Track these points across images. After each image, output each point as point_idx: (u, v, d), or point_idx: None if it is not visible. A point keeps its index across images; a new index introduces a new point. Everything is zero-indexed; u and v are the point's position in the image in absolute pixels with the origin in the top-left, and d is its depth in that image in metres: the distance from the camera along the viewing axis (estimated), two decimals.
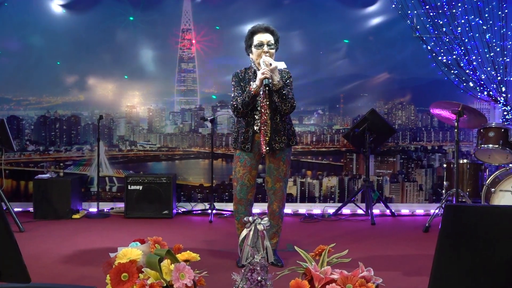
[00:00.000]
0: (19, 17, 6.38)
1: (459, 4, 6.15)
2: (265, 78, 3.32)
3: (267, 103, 3.38)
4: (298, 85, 5.50)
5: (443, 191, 5.47)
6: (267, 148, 3.41)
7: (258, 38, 3.60)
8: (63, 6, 6.45)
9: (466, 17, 6.15)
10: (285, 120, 3.58)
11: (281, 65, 3.52)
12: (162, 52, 6.77)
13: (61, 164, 6.43)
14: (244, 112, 3.47)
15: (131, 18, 6.55)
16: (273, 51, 3.56)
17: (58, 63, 6.49)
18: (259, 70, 3.48)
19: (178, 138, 6.73)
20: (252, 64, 3.64)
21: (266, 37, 3.59)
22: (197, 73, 6.79)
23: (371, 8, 6.74)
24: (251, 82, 3.48)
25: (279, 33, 3.83)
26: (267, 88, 3.36)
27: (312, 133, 6.69)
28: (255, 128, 3.48)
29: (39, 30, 6.44)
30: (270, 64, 3.38)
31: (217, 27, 6.65)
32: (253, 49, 3.57)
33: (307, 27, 6.72)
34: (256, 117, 3.51)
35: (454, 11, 6.16)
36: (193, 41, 6.68)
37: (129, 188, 5.93)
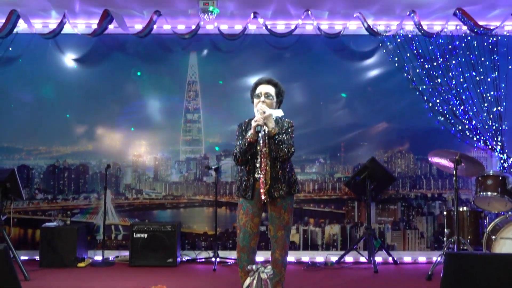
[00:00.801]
0: (32, 71, 6.53)
1: (453, 57, 6.34)
2: (257, 125, 3.31)
3: (266, 151, 3.37)
4: (300, 134, 5.51)
5: (445, 239, 5.43)
6: (267, 196, 3.40)
7: (259, 89, 3.64)
8: (75, 60, 6.64)
9: (460, 69, 6.30)
10: (285, 168, 3.50)
11: (278, 113, 3.51)
12: (168, 103, 6.82)
13: (68, 212, 6.43)
14: (243, 160, 3.42)
15: (139, 73, 6.73)
16: (269, 101, 3.53)
17: (68, 115, 6.61)
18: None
19: (183, 187, 6.71)
20: (255, 115, 3.58)
21: (266, 89, 3.58)
22: (202, 123, 6.83)
23: (369, 61, 6.85)
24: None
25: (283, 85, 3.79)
26: (265, 135, 3.39)
27: (314, 181, 6.65)
28: (256, 176, 3.44)
29: (51, 83, 6.57)
30: (264, 112, 3.37)
31: (220, 81, 6.81)
32: (254, 99, 3.63)
33: (308, 79, 6.82)
34: (257, 165, 3.45)
35: (448, 63, 6.31)
36: (199, 93, 6.84)
37: (134, 236, 5.87)
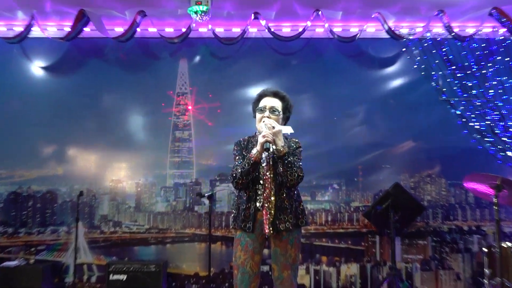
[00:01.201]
0: None
1: (490, 65, 6.26)
2: (266, 141, 3.26)
3: (271, 176, 3.34)
4: (310, 155, 5.60)
5: (485, 281, 5.24)
6: (271, 229, 3.33)
7: (263, 102, 3.61)
8: (44, 68, 6.60)
9: (499, 78, 6.23)
10: (292, 196, 3.47)
11: (287, 129, 3.50)
12: (153, 119, 6.86)
13: (32, 249, 6.32)
14: (244, 182, 3.35)
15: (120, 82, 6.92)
16: (275, 117, 3.52)
17: (34, 133, 6.56)
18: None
19: (171, 218, 6.64)
20: (257, 131, 3.63)
21: (271, 102, 3.56)
22: (193, 142, 6.84)
23: (391, 69, 6.89)
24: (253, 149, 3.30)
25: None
26: (269, 155, 3.35)
27: (326, 211, 6.63)
28: (258, 204, 3.38)
29: (15, 95, 6.52)
30: (273, 127, 3.33)
31: (210, 95, 7.17)
32: (256, 113, 3.59)
33: (319, 90, 6.89)
34: (259, 192, 3.41)
35: (484, 71, 6.26)
36: (189, 107, 6.83)
37: (111, 278, 5.76)
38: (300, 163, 3.46)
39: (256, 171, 3.37)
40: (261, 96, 3.65)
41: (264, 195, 3.34)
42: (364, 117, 6.81)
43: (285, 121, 3.65)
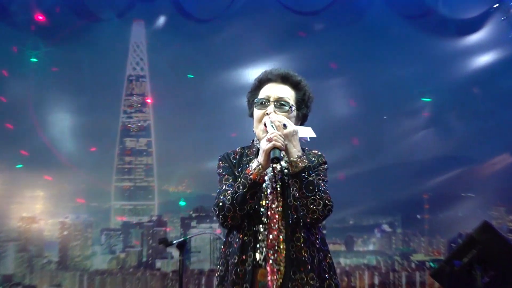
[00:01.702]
0: None
1: None
2: (273, 147, 2.47)
3: (279, 209, 2.56)
4: (343, 178, 5.86)
5: None
6: None
7: (265, 91, 2.70)
8: None
9: None
10: (314, 242, 2.65)
11: (305, 132, 2.74)
12: (89, 119, 6.58)
13: None
14: (236, 217, 2.59)
15: (34, 60, 6.25)
16: (285, 114, 2.63)
17: None
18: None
19: (117, 280, 6.13)
20: (255, 139, 2.79)
21: (278, 91, 2.69)
22: (154, 156, 6.54)
23: (474, 38, 6.51)
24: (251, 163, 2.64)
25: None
26: (276, 175, 2.60)
27: (371, 268, 6.29)
28: (257, 256, 2.60)
29: None
30: (284, 126, 2.51)
31: (190, 75, 6.64)
32: (254, 109, 2.72)
33: (357, 72, 6.75)
34: (260, 235, 2.62)
35: None
36: (148, 100, 6.59)
37: None
38: (327, 187, 2.63)
39: (257, 196, 2.56)
40: (262, 82, 2.75)
41: (269, 240, 2.57)
42: (432, 115, 6.51)
43: (300, 122, 2.77)
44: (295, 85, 2.77)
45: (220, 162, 2.79)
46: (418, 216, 6.32)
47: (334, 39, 6.42)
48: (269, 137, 2.57)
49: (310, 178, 2.57)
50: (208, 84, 6.46)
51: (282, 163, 2.66)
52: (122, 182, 6.36)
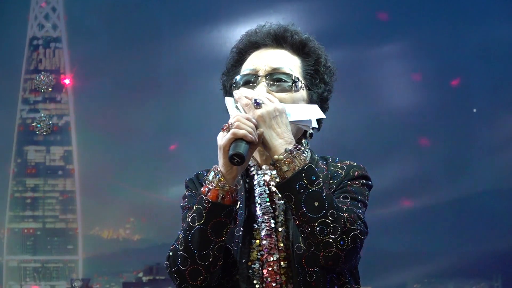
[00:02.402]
0: None
1: None
2: (233, 139, 1.45)
3: (282, 264, 1.52)
4: (397, 214, 5.66)
5: None
6: None
7: (248, 64, 1.66)
8: None
9: None
10: None
11: (305, 112, 1.71)
12: None
13: None
14: (197, 270, 1.36)
15: None
16: (284, 94, 1.62)
17: None
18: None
19: None
20: None
21: (271, 59, 1.67)
22: (76, 177, 5.99)
23: None
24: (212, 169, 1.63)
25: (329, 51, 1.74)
26: (264, 193, 1.59)
27: None
28: None
29: None
30: (256, 103, 1.50)
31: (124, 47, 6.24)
32: (235, 96, 1.66)
33: (423, 28, 6.14)
34: None
35: None
36: (66, 80, 5.92)
37: None
38: (360, 209, 1.53)
39: (226, 235, 1.43)
40: (243, 52, 1.65)
41: None
42: None
43: (320, 103, 1.64)
44: (300, 48, 1.81)
45: (186, 190, 1.75)
46: None
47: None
48: (227, 123, 1.71)
49: (314, 188, 1.69)
50: (168, 53, 5.50)
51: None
52: (22, 223, 5.53)
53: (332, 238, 1.96)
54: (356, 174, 2.22)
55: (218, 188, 1.99)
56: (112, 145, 5.55)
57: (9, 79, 5.32)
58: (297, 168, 1.98)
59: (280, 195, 2.05)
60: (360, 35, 5.61)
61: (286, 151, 1.98)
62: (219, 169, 2.00)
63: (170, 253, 2.11)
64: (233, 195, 1.98)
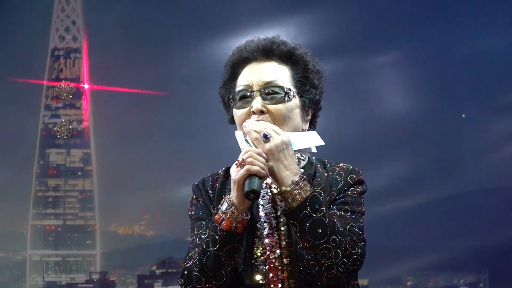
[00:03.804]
0: None
1: None
2: (247, 175, 1.76)
3: (284, 260, 1.86)
4: (392, 213, 5.67)
5: None
6: None
7: (242, 79, 1.95)
8: None
9: None
10: None
11: (307, 139, 2.06)
12: None
13: None
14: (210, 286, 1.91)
15: None
16: (282, 106, 1.92)
17: None
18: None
19: None
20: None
21: (262, 73, 1.96)
22: (94, 178, 6.00)
23: None
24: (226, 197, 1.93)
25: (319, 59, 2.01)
26: (269, 213, 1.94)
27: None
28: None
29: None
30: (265, 137, 1.82)
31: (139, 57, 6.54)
32: (234, 111, 1.96)
33: (415, 40, 6.28)
34: None
35: None
36: (84, 85, 6.10)
37: None
38: (360, 222, 1.83)
39: (238, 254, 1.78)
40: (236, 66, 1.92)
41: None
42: None
43: (311, 113, 2.00)
44: (288, 58, 1.98)
45: (193, 197, 1.95)
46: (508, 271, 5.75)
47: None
48: (240, 158, 1.82)
49: (317, 216, 1.84)
50: (181, 62, 5.78)
51: (266, 195, 1.89)
52: (44, 220, 5.65)
53: (334, 262, 2.02)
54: (354, 179, 2.40)
55: (231, 219, 1.78)
56: (128, 148, 5.71)
57: (32, 87, 5.63)
58: (302, 198, 2.19)
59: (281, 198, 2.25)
60: (357, 46, 5.73)
61: (293, 182, 2.09)
62: (232, 201, 1.77)
63: (185, 272, 1.76)
64: (244, 223, 1.78)
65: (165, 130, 5.88)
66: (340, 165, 2.35)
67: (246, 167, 2.06)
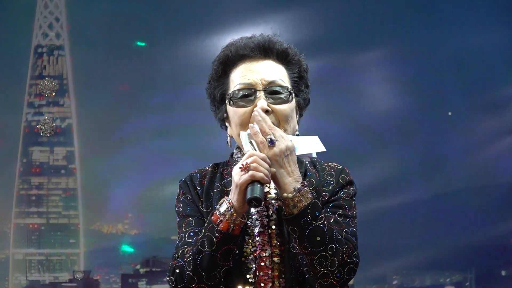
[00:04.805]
0: None
1: None
2: (251, 181, 1.53)
3: (275, 259, 1.61)
4: (379, 211, 5.75)
5: None
6: None
7: (242, 77, 1.62)
8: None
9: None
10: None
11: (308, 144, 1.69)
12: None
13: None
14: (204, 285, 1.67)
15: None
16: (286, 106, 1.70)
17: None
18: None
19: None
20: (235, 153, 1.77)
21: (265, 72, 1.69)
22: (78, 175, 5.96)
23: None
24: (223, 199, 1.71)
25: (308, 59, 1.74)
26: (262, 215, 1.69)
27: None
28: None
29: None
30: (271, 142, 1.57)
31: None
32: (232, 109, 1.65)
33: (402, 37, 6.34)
34: None
35: None
36: (68, 84, 6.10)
37: None
38: (353, 227, 1.64)
39: (232, 256, 1.55)
40: (228, 64, 1.59)
41: None
42: None
43: (300, 112, 1.78)
44: (284, 57, 1.88)
45: (180, 192, 1.82)
46: (503, 273, 5.64)
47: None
48: (244, 162, 1.69)
49: (317, 224, 1.71)
50: (166, 58, 5.69)
51: (272, 201, 1.76)
52: (27, 218, 5.65)
53: (329, 271, 2.05)
54: (345, 180, 2.40)
55: (229, 221, 2.18)
56: (112, 146, 5.72)
57: (15, 84, 5.60)
58: (303, 205, 2.16)
59: (274, 193, 2.25)
60: (344, 44, 5.72)
61: (295, 189, 2.11)
62: (232, 203, 2.17)
63: (177, 271, 1.63)
64: (241, 226, 2.16)
65: (149, 128, 5.83)
66: (330, 164, 2.36)
67: (250, 172, 2.03)
